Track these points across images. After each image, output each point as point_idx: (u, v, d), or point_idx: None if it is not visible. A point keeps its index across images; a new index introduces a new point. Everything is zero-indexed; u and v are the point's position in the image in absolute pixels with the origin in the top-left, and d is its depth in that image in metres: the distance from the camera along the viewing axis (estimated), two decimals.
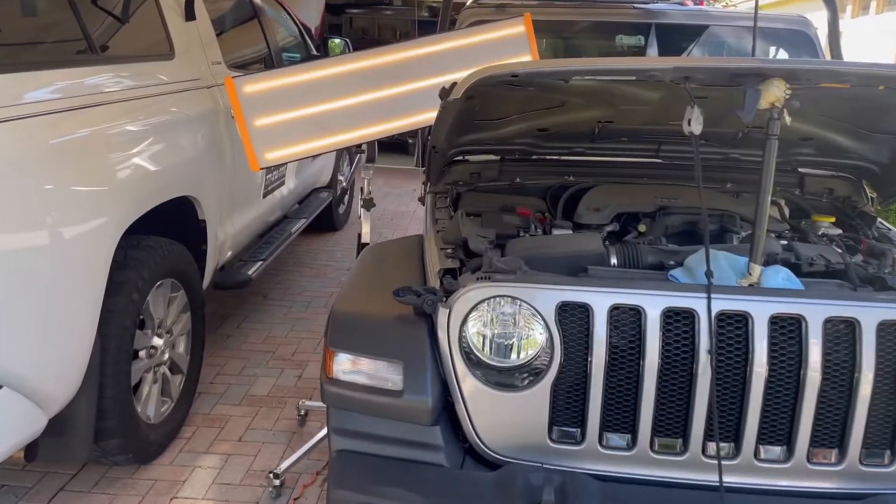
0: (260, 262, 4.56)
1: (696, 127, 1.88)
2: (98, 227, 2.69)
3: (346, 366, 2.03)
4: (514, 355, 1.95)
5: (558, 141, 2.91)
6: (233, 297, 5.28)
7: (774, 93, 1.84)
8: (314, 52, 6.10)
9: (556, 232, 2.44)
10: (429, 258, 2.36)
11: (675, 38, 3.95)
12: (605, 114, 2.64)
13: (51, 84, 2.62)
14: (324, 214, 6.37)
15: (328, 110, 2.75)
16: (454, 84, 2.09)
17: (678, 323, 1.89)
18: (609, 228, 2.60)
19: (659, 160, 3.01)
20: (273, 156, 2.79)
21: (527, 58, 2.93)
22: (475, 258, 2.19)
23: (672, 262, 2.16)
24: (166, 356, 3.35)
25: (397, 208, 8.26)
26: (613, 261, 2.22)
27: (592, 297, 1.89)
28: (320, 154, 2.98)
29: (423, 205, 3.23)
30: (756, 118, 1.88)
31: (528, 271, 2.03)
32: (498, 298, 1.93)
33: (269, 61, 5.01)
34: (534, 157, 3.07)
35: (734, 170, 2.93)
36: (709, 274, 1.88)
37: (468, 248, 2.27)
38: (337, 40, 5.91)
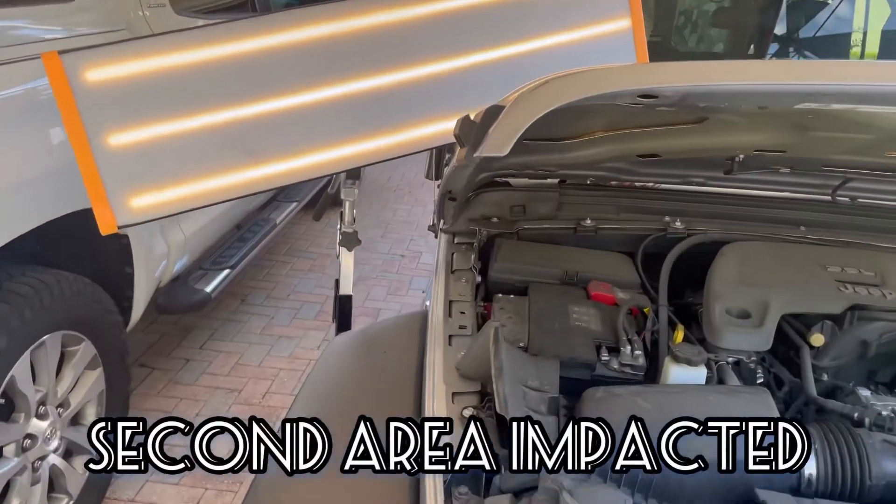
0: (226, 272, 3.48)
1: None
2: None
3: None
4: None
5: (668, 169, 1.75)
6: None
7: None
8: None
9: (675, 372, 1.29)
10: (429, 403, 1.25)
11: None
12: (780, 140, 1.48)
13: None
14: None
15: (257, 116, 1.56)
16: (492, 111, 0.92)
17: None
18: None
19: (827, 197, 1.83)
20: (143, 204, 1.64)
21: (624, 23, 1.74)
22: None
23: None
24: (56, 442, 2.30)
25: (416, 178, 7.10)
26: (810, 470, 1.08)
27: None
28: (245, 196, 1.76)
29: (435, 237, 2.11)
30: None
31: None
32: None
33: (252, 3, 3.80)
34: (613, 182, 1.91)
35: None
36: None
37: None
38: None
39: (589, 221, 1.85)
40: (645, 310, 1.52)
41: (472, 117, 1.03)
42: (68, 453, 2.42)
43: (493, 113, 0.98)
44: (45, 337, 2.17)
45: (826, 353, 1.46)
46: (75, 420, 2.45)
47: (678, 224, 1.82)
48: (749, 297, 1.44)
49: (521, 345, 1.40)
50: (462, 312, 1.52)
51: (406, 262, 5.10)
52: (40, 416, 2.22)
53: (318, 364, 1.66)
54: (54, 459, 2.32)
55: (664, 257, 1.73)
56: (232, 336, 3.93)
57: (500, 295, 1.61)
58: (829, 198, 1.83)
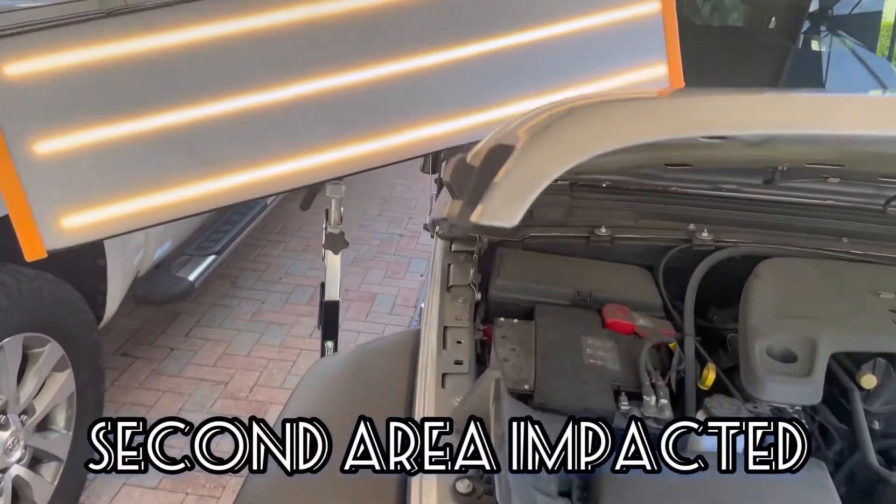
0: (212, 258, 3.29)
1: None
2: None
3: None
4: None
5: (698, 174, 1.54)
6: None
7: None
8: None
9: (706, 445, 1.10)
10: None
11: None
12: (841, 156, 1.27)
13: None
14: None
15: (218, 118, 1.31)
16: (495, 155, 0.71)
17: None
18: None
19: (879, 207, 1.62)
20: (77, 224, 1.40)
21: (653, 6, 1.50)
22: None
23: None
24: (20, 452, 2.13)
25: None
26: None
27: None
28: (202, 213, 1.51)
29: (431, 237, 1.91)
30: None
31: None
32: None
33: None
34: (631, 185, 1.69)
35: None
36: None
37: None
38: None
39: (604, 230, 1.64)
40: (670, 345, 1.32)
41: (468, 160, 0.81)
42: (36, 461, 2.25)
43: (496, 158, 0.74)
44: (3, 341, 1.99)
45: (878, 397, 1.27)
46: (42, 426, 2.28)
47: (705, 234, 1.61)
48: (792, 332, 1.24)
49: (527, 387, 1.20)
50: (458, 342, 1.33)
51: (405, 242, 4.90)
52: (0, 427, 2.05)
53: (297, 392, 1.47)
54: (18, 470, 2.14)
55: (688, 271, 1.53)
56: (220, 322, 3.75)
57: (502, 319, 1.42)
58: (879, 207, 1.62)
